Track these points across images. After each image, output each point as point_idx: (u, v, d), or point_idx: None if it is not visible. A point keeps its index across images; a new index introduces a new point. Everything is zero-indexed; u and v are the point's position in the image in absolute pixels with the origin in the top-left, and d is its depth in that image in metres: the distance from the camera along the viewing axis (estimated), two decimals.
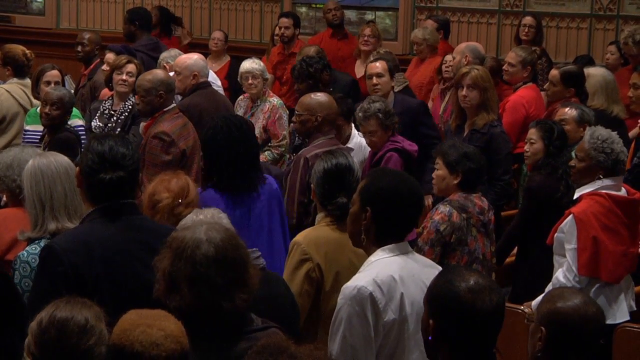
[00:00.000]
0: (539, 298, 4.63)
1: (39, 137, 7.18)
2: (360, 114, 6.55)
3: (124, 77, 7.51)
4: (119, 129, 7.32)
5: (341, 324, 3.54)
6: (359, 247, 3.75)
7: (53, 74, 7.55)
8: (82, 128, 7.34)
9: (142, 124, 6.80)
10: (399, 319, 3.57)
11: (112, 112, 7.48)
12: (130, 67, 7.57)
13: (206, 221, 3.71)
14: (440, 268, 3.81)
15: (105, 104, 7.57)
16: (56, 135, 6.71)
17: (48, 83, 7.49)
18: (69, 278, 3.58)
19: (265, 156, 7.72)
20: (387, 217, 3.64)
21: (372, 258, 3.66)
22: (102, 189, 3.74)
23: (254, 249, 4.14)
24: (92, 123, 7.47)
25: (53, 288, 3.50)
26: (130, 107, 7.41)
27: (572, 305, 3.30)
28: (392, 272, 3.59)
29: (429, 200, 6.55)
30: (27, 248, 4.11)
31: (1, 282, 3.52)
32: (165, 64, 8.09)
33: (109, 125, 7.40)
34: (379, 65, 7.43)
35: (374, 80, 7.37)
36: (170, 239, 3.29)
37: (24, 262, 4.05)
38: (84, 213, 3.93)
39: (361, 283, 3.54)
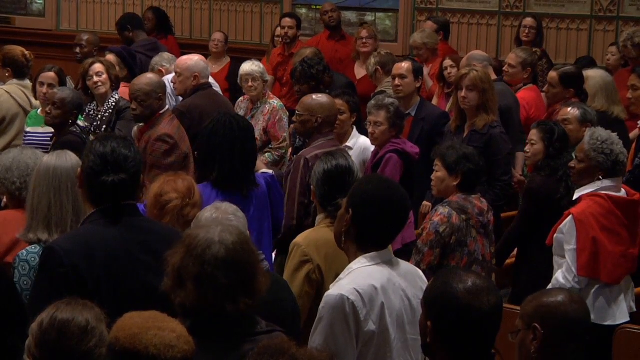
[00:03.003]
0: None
1: (39, 138, 7.18)
2: (372, 102, 6.62)
3: (95, 79, 7.44)
4: (104, 127, 7.31)
5: (323, 331, 3.55)
6: (340, 248, 3.76)
7: (47, 76, 7.51)
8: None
9: (135, 128, 6.78)
10: (379, 329, 3.58)
11: (97, 112, 7.47)
12: (98, 67, 7.50)
13: (221, 221, 3.70)
14: (423, 276, 3.84)
15: (90, 105, 7.56)
16: (61, 139, 6.70)
17: (42, 84, 7.48)
18: (69, 279, 3.58)
19: (265, 158, 7.73)
20: (367, 222, 3.63)
21: (353, 265, 3.66)
22: (104, 191, 3.72)
23: (259, 252, 4.14)
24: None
25: (54, 289, 3.50)
26: (113, 104, 7.38)
27: (559, 298, 3.34)
28: (374, 282, 3.59)
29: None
30: (27, 247, 4.12)
31: (1, 280, 3.51)
32: (160, 68, 8.07)
33: (94, 124, 7.39)
34: (403, 66, 7.43)
35: (397, 81, 7.39)
36: (185, 235, 3.31)
37: (23, 261, 4.06)
38: (69, 226, 3.96)
39: (343, 291, 3.55)
